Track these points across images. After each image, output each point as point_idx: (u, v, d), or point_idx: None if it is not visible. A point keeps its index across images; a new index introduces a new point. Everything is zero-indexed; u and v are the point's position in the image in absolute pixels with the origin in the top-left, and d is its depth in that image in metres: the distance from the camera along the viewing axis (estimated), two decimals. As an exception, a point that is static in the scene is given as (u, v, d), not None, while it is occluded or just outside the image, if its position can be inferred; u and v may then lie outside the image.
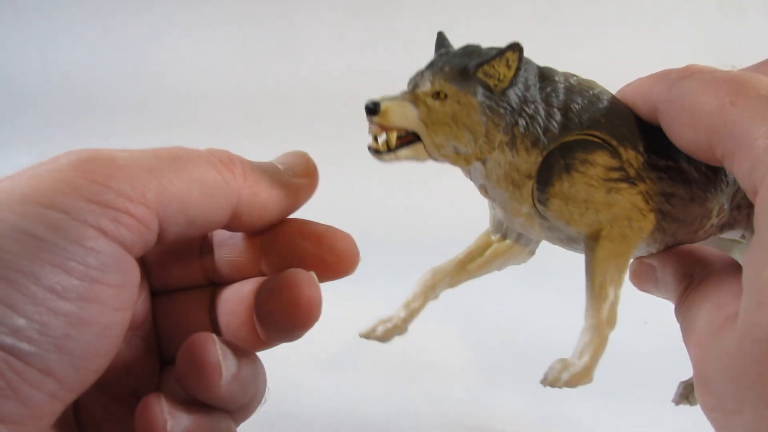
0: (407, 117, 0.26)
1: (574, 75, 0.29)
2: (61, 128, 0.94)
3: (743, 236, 0.31)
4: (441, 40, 0.29)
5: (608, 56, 0.82)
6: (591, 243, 0.28)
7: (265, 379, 0.29)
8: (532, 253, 0.32)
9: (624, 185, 0.27)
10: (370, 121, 0.27)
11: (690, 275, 0.28)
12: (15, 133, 0.94)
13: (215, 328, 0.30)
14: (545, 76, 0.28)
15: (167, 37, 0.98)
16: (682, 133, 0.25)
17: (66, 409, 0.27)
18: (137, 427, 0.26)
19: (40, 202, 0.21)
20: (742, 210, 0.30)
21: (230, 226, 0.27)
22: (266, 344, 0.29)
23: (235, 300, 0.30)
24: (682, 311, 0.27)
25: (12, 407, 0.21)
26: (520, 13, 0.86)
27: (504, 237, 0.32)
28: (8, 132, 0.95)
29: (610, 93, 0.29)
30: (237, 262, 0.30)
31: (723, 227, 0.30)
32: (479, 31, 0.85)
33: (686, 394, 0.33)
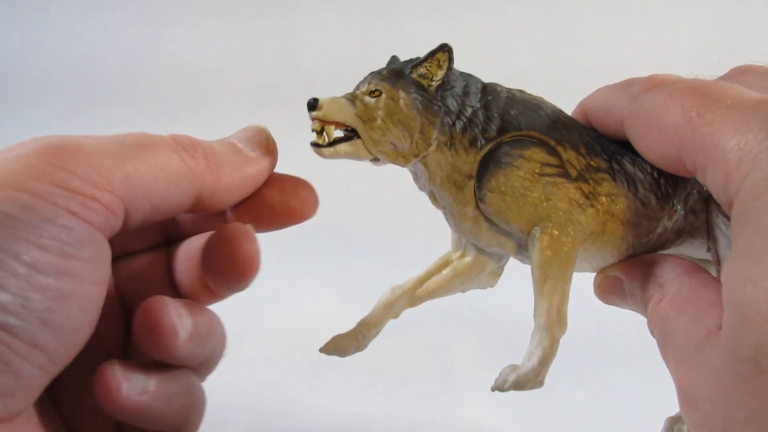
0: (343, 112, 0.28)
1: (521, 90, 0.30)
2: (54, 119, 0.94)
3: (708, 249, 0.30)
4: (391, 63, 0.31)
5: (608, 54, 0.82)
6: (532, 240, 0.28)
7: (223, 333, 0.30)
8: (495, 274, 0.32)
9: (561, 180, 0.28)
10: (311, 117, 0.28)
11: (660, 285, 0.27)
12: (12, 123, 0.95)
13: (173, 286, 0.31)
14: (488, 88, 0.30)
15: (168, 29, 0.99)
16: (650, 147, 0.26)
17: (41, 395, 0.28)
18: (95, 393, 0.26)
19: (10, 185, 0.22)
20: (699, 215, 0.29)
21: (193, 209, 0.27)
22: (218, 296, 0.30)
23: (187, 257, 0.30)
24: (657, 324, 0.26)
25: (4, 380, 0.21)
26: (520, 11, 0.86)
27: (464, 254, 0.32)
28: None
29: (553, 105, 0.30)
30: (200, 216, 0.31)
31: (680, 233, 0.30)
32: (479, 28, 0.85)
33: (671, 427, 0.32)
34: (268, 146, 0.29)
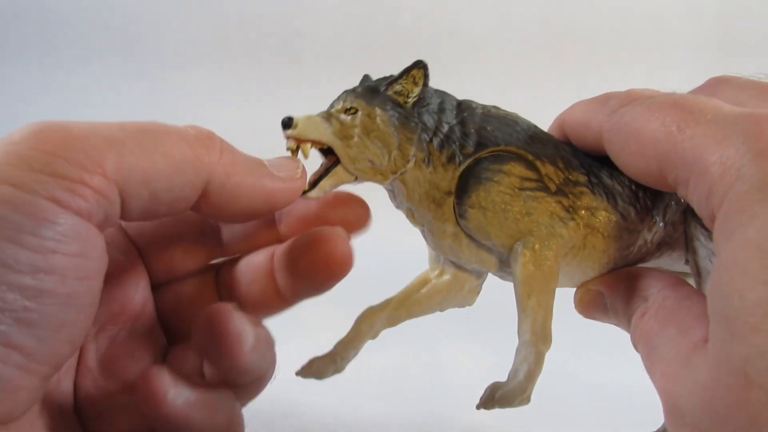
0: (319, 130, 0.28)
1: (496, 106, 0.30)
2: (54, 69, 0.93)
3: (687, 261, 0.30)
4: (364, 81, 0.31)
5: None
6: (515, 255, 0.28)
7: (275, 352, 0.29)
8: (474, 292, 0.32)
9: (541, 194, 0.28)
10: (286, 135, 0.28)
11: (644, 298, 0.27)
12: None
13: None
14: (463, 104, 0.29)
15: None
16: (630, 161, 0.25)
17: (62, 404, 0.28)
18: (137, 398, 0.26)
19: None
20: (677, 227, 0.29)
21: (199, 206, 0.26)
22: (290, 302, 0.31)
23: (252, 269, 0.31)
24: (642, 338, 0.26)
25: None
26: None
27: (442, 272, 0.31)
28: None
29: (528, 121, 0.30)
30: (252, 233, 0.31)
31: (661, 246, 0.30)
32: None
33: None
34: (293, 174, 0.28)
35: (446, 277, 0.31)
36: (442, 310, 0.32)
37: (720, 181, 0.21)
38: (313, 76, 0.83)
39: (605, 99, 0.27)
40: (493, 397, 0.27)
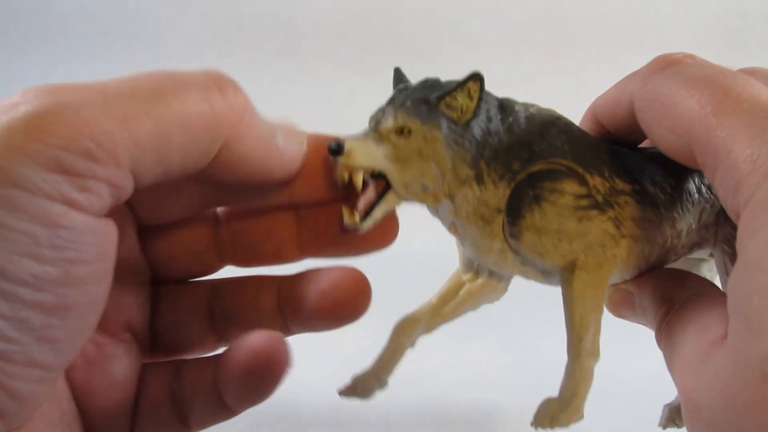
0: (372, 156, 0.26)
1: (534, 105, 0.28)
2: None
3: (711, 254, 0.31)
4: (398, 77, 0.29)
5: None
6: (567, 275, 0.27)
7: None
8: (505, 289, 0.32)
9: (594, 212, 0.27)
10: (335, 162, 0.26)
11: (670, 299, 0.27)
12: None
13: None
14: (505, 107, 0.28)
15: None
16: (661, 135, 0.25)
17: None
18: (259, 364, 0.25)
19: None
20: (709, 229, 0.30)
21: (208, 171, 0.24)
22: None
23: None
24: (664, 336, 0.26)
25: (2, 401, 0.20)
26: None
27: (476, 276, 0.31)
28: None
29: (569, 120, 0.28)
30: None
31: (693, 247, 0.30)
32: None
33: (672, 417, 0.32)
34: (298, 152, 0.26)
35: (480, 280, 0.31)
36: (474, 310, 0.32)
37: (748, 178, 0.21)
38: (313, 72, 0.83)
39: (635, 72, 0.27)
40: (552, 419, 0.27)
